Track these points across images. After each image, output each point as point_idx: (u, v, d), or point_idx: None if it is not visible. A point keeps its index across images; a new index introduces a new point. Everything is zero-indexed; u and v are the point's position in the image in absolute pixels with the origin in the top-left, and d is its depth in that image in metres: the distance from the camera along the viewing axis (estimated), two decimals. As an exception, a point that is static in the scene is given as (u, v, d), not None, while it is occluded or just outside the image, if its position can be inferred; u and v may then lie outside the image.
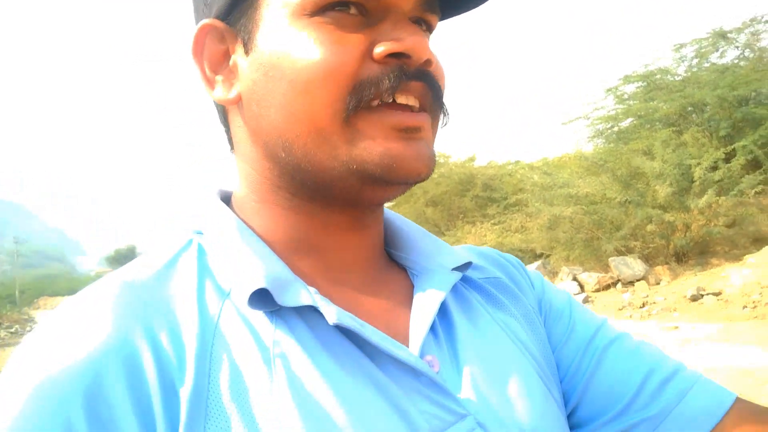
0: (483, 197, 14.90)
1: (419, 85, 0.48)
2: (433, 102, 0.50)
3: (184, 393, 0.40)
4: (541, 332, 0.62)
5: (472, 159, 16.43)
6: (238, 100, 0.51)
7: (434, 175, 15.64)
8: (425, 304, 0.53)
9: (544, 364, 0.58)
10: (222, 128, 0.58)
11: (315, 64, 0.46)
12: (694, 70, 12.33)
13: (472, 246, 0.69)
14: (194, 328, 0.43)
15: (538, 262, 11.57)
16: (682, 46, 12.28)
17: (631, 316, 8.14)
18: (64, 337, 0.41)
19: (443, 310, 0.56)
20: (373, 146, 0.47)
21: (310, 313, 0.47)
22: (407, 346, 0.50)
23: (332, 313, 0.45)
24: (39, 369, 0.39)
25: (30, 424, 0.37)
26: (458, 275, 0.57)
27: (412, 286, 0.57)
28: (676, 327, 7.09)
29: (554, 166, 13.79)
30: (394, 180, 0.48)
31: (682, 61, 12.47)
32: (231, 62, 0.51)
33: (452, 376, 0.50)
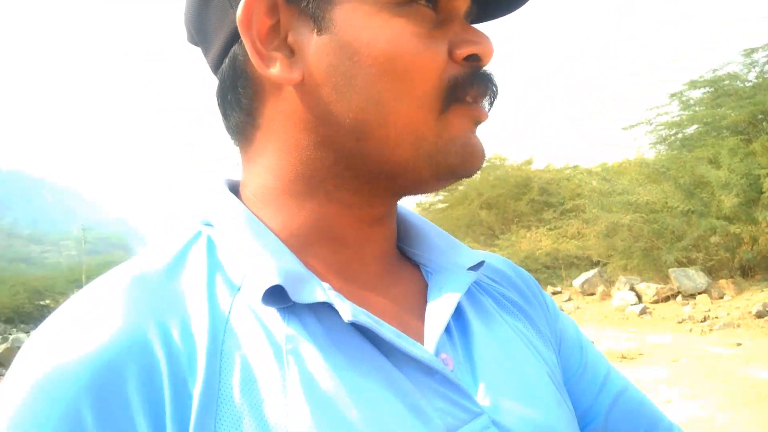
0: (539, 201, 14.67)
1: (488, 91, 0.51)
2: (491, 104, 0.52)
3: (196, 391, 0.39)
4: (552, 349, 0.62)
5: (529, 162, 16.21)
6: (298, 81, 0.47)
7: (490, 178, 15.51)
8: (441, 303, 0.52)
9: (555, 375, 0.58)
10: (233, 112, 0.53)
11: (414, 56, 0.46)
12: (766, 76, 11.80)
13: (489, 253, 0.69)
14: (205, 325, 0.42)
15: (594, 270, 11.32)
16: (753, 51, 11.74)
17: (691, 330, 7.87)
18: (74, 329, 0.40)
19: (457, 310, 0.55)
20: (458, 138, 0.48)
21: (323, 309, 0.46)
22: (422, 344, 0.49)
23: (347, 310, 0.44)
24: (46, 360, 0.38)
25: (33, 418, 0.36)
26: (474, 275, 0.56)
27: (426, 284, 0.56)
28: (739, 344, 6.82)
29: (614, 172, 13.45)
30: (462, 172, 0.50)
31: (753, 67, 11.93)
32: (289, 39, 0.48)
33: (466, 376, 0.50)
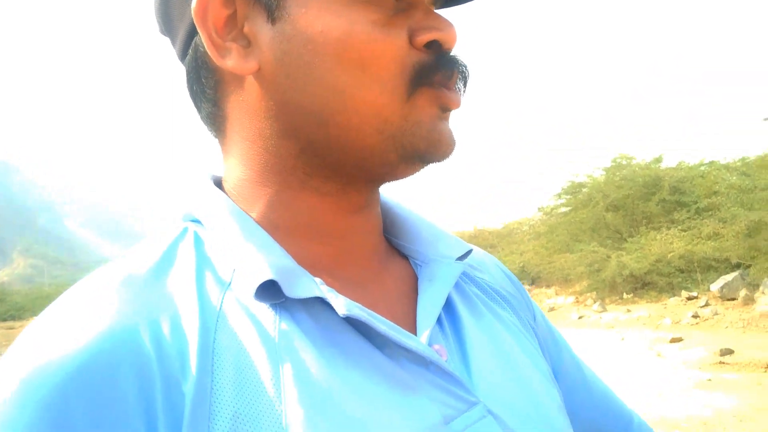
0: (670, 201, 13.83)
1: (457, 74, 0.50)
2: (463, 89, 0.52)
3: (188, 390, 0.38)
4: (536, 338, 0.64)
5: (658, 160, 15.32)
6: (255, 71, 0.47)
7: (615, 178, 14.83)
8: (431, 294, 0.53)
9: (543, 363, 0.59)
10: (202, 103, 0.53)
11: (370, 44, 0.45)
12: None
13: (472, 246, 0.68)
14: (196, 322, 0.41)
15: (735, 273, 10.53)
16: None
17: None
18: (62, 329, 0.39)
19: (447, 301, 0.55)
20: (426, 122, 0.48)
21: (315, 304, 0.45)
22: (415, 336, 0.49)
23: (341, 305, 0.44)
24: (33, 360, 0.37)
25: (19, 418, 0.35)
26: (462, 266, 0.57)
27: (415, 276, 0.57)
28: None
29: (756, 167, 12.44)
30: (430, 157, 0.49)
31: None
32: (245, 29, 0.48)
33: (459, 366, 0.50)
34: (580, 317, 11.24)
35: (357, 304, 0.46)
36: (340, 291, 0.47)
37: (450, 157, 0.51)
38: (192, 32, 0.50)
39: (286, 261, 0.46)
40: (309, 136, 0.48)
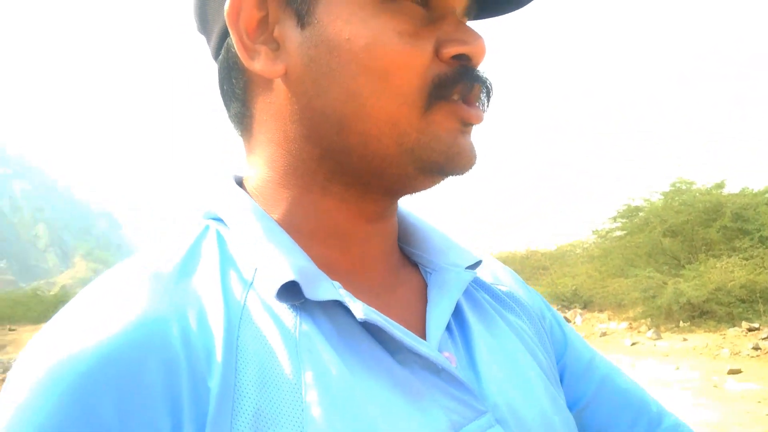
0: (732, 228, 13.37)
1: (479, 88, 0.50)
2: (486, 103, 0.52)
3: (214, 385, 0.38)
4: (546, 343, 0.64)
5: (720, 185, 14.86)
6: (282, 74, 0.48)
7: (674, 203, 14.44)
8: (441, 302, 0.54)
9: (551, 370, 0.59)
10: (231, 103, 0.54)
11: (394, 54, 0.46)
12: None
13: (487, 255, 0.70)
14: (221, 319, 0.41)
15: (801, 305, 10.11)
16: None
17: None
18: (93, 320, 0.39)
19: (456, 309, 0.56)
20: (444, 136, 0.48)
21: (332, 307, 0.46)
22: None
23: (359, 309, 0.45)
24: (63, 350, 0.37)
25: (48, 407, 0.35)
26: (472, 274, 0.57)
27: (425, 284, 0.58)
28: None
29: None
30: (449, 169, 0.49)
31: None
32: (275, 32, 0.49)
33: (468, 373, 0.51)
34: (633, 344, 10.97)
35: (373, 309, 0.46)
36: (356, 295, 0.48)
37: (470, 170, 0.51)
38: (225, 33, 0.51)
39: (307, 263, 0.47)
40: (330, 141, 0.49)
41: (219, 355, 0.40)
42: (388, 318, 0.47)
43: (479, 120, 0.50)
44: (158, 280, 0.43)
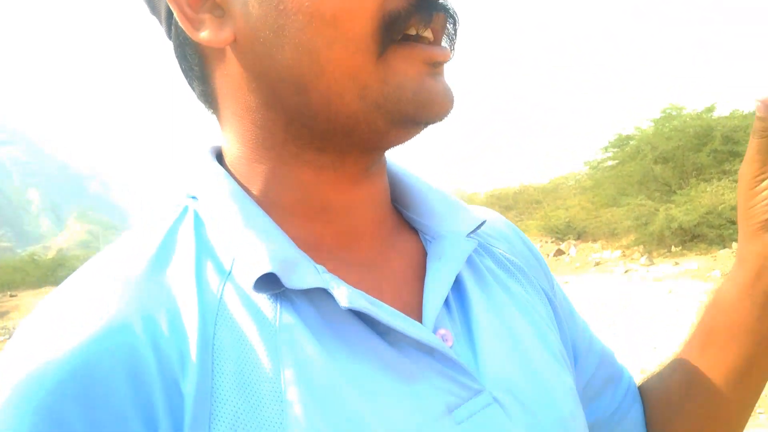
0: (723, 151, 13.40)
1: (442, 17, 0.46)
2: (453, 34, 0.48)
3: (189, 391, 0.37)
4: (551, 309, 0.62)
5: (710, 109, 14.80)
6: (231, 41, 0.45)
7: (664, 129, 14.43)
8: (439, 275, 0.51)
9: (557, 345, 0.57)
10: (193, 82, 0.51)
11: None
12: None
13: (488, 210, 0.67)
14: (195, 318, 0.39)
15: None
16: None
17: None
18: (54, 330, 0.37)
19: (456, 281, 0.53)
20: (408, 83, 0.44)
21: (317, 293, 0.44)
22: (419, 319, 0.48)
23: (343, 296, 0.42)
24: (24, 365, 0.36)
25: (13, 425, 0.34)
26: (474, 243, 0.54)
27: (424, 252, 0.55)
28: None
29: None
30: (423, 119, 0.46)
31: None
32: None
33: (465, 351, 0.49)
34: (626, 271, 11.18)
35: (360, 292, 0.44)
36: (344, 273, 0.46)
37: (448, 115, 0.47)
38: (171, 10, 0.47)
39: (287, 248, 0.44)
40: (292, 105, 0.45)
41: (193, 356, 0.38)
42: (376, 300, 0.45)
43: (446, 57, 0.46)
44: (126, 282, 0.40)
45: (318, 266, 0.45)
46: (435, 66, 0.46)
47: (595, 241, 14.91)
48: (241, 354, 0.40)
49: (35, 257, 32.61)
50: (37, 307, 0.41)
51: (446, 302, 0.51)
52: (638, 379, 0.72)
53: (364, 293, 0.44)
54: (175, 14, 0.46)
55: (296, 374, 0.40)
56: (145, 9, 0.53)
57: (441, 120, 0.47)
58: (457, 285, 0.53)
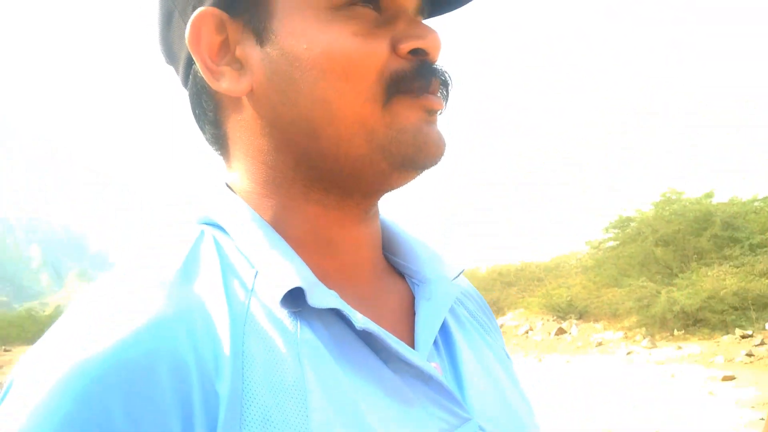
0: (722, 237, 13.55)
1: (438, 81, 0.51)
2: (446, 95, 0.53)
3: (223, 391, 0.38)
4: (508, 363, 0.66)
5: (709, 195, 15.08)
6: (248, 91, 0.50)
7: (665, 213, 14.62)
8: (429, 314, 0.55)
9: (518, 385, 0.62)
10: (205, 126, 0.56)
11: (352, 54, 0.47)
12: None
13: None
14: (227, 326, 0.41)
15: (791, 312, 10.27)
16: None
17: None
18: (100, 326, 0.38)
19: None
20: (409, 127, 0.49)
21: (329, 315, 0.47)
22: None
23: (359, 319, 0.46)
24: (72, 357, 0.37)
25: (59, 416, 0.35)
26: (458, 288, 0.59)
27: (412, 295, 0.59)
28: None
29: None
30: (421, 161, 0.50)
31: None
32: (237, 52, 0.50)
33: (452, 384, 0.53)
34: (628, 353, 11.11)
35: (369, 319, 0.47)
36: (350, 304, 0.49)
37: (441, 159, 0.52)
38: (190, 60, 0.53)
39: (307, 271, 0.47)
40: (302, 148, 0.50)
41: (227, 360, 0.40)
42: (382, 328, 0.48)
43: (441, 106, 0.52)
44: (162, 285, 0.42)
45: (331, 291, 0.48)
46: (431, 114, 0.51)
47: (596, 321, 14.83)
48: (268, 360, 0.42)
49: (32, 313, 32.22)
50: (75, 303, 0.43)
51: (434, 339, 0.55)
52: None
53: (371, 320, 0.48)
54: (198, 65, 0.51)
55: (318, 384, 0.42)
56: (162, 59, 0.58)
57: (435, 163, 0.52)
58: (442, 326, 0.57)
